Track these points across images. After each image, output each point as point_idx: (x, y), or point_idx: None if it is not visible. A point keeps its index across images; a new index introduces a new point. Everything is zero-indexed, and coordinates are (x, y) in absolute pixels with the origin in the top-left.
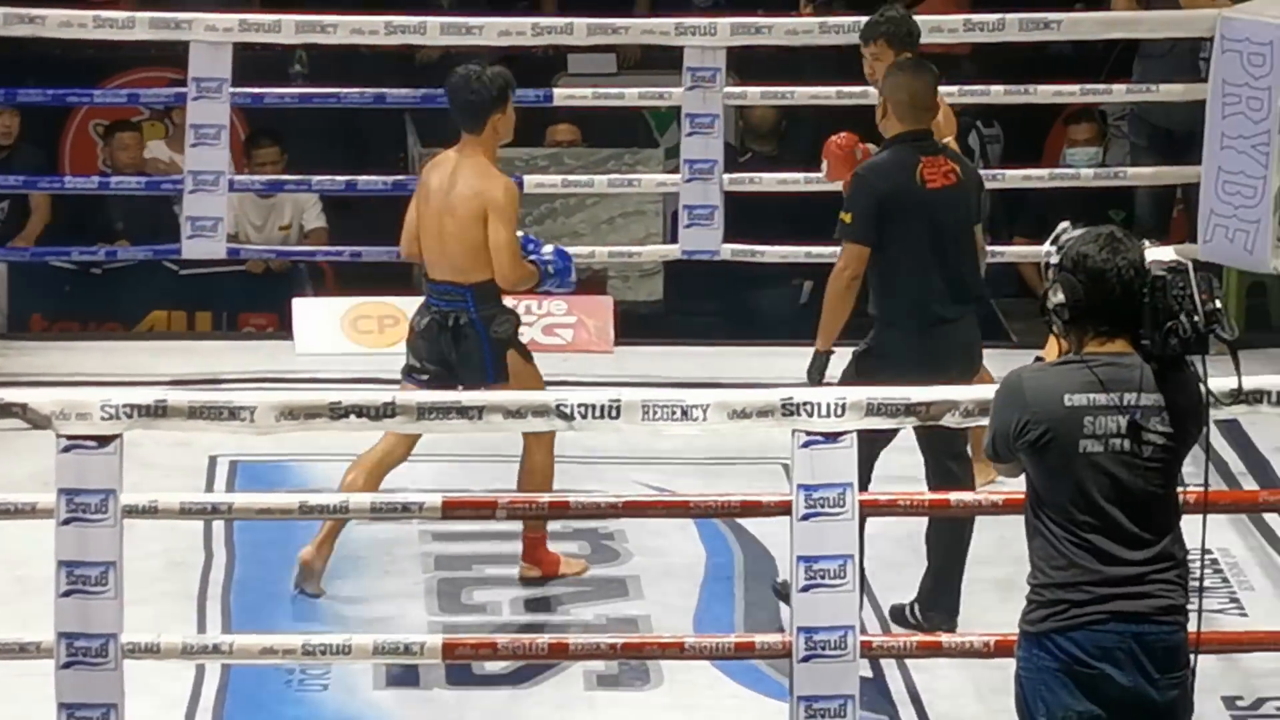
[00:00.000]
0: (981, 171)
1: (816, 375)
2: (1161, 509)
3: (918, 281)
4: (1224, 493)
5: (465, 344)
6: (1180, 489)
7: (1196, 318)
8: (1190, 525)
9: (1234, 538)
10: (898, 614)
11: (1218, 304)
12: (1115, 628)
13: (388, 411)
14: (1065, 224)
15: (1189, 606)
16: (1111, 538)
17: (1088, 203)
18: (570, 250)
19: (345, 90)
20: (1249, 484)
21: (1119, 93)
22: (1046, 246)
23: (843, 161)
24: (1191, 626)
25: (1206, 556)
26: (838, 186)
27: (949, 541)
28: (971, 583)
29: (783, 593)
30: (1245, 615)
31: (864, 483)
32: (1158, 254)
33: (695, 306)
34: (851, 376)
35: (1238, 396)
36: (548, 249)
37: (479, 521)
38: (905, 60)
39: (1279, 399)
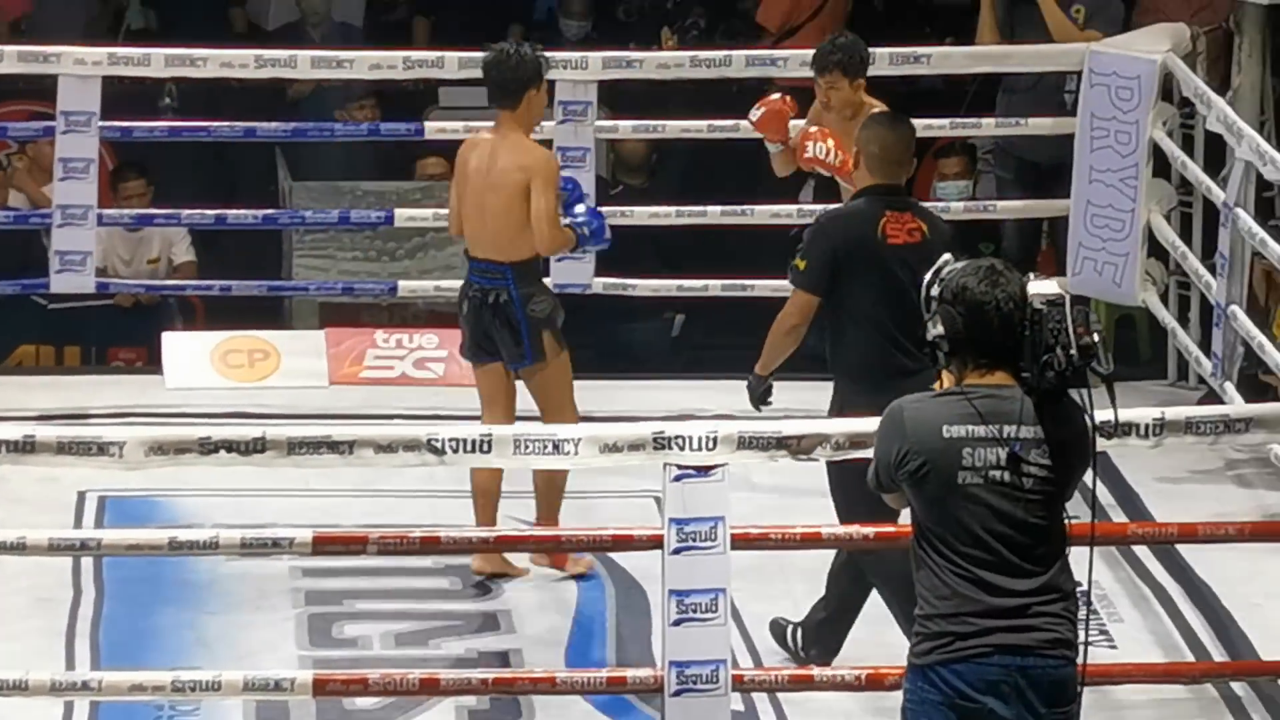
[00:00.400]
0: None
1: (756, 401)
2: (1045, 541)
3: (870, 337)
4: (1080, 525)
5: (505, 322)
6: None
7: (1072, 351)
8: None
9: (1104, 570)
10: (778, 630)
11: (1095, 338)
12: (1000, 660)
13: (258, 446)
14: (948, 256)
15: (1077, 639)
16: (994, 569)
17: (958, 236)
18: (443, 284)
19: (215, 124)
20: (1119, 516)
21: (988, 126)
22: (928, 278)
23: (776, 119)
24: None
25: (1078, 589)
26: (709, 219)
27: (854, 586)
28: None
29: (779, 633)
30: (1115, 648)
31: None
32: (1040, 287)
33: (566, 340)
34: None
35: (1114, 430)
36: (580, 209)
37: (350, 557)
38: (882, 113)
39: (1148, 431)
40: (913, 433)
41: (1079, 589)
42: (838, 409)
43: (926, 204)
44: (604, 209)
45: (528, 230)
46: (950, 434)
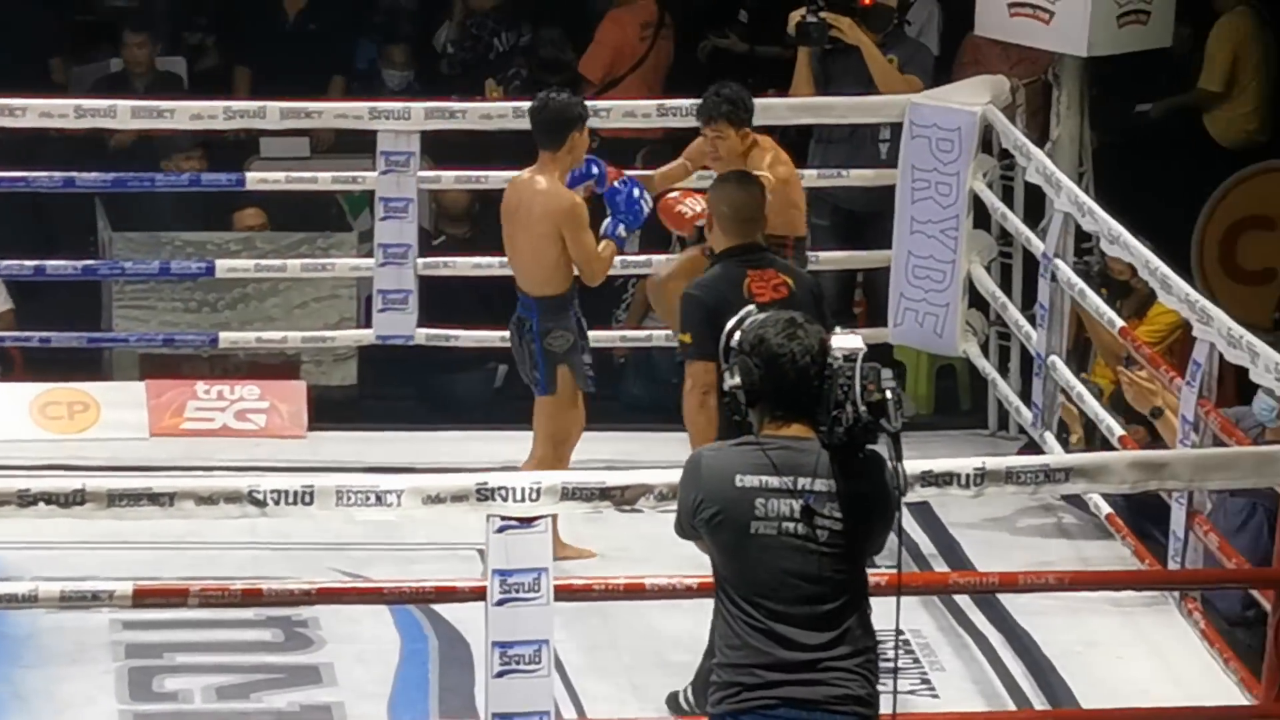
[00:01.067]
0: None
1: None
2: (842, 595)
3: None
4: (915, 574)
5: (529, 352)
6: (873, 570)
7: (861, 408)
8: (885, 606)
9: (925, 619)
10: (672, 702)
11: (888, 394)
12: (785, 714)
13: (77, 498)
14: (751, 307)
15: (875, 694)
16: (786, 622)
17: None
18: (264, 336)
19: (33, 174)
20: (940, 565)
21: (810, 177)
22: (729, 326)
23: (676, 221)
24: (886, 708)
25: (899, 638)
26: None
27: None
28: (669, 664)
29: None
30: (937, 697)
31: None
32: (842, 341)
33: (390, 391)
34: None
35: (903, 489)
36: (606, 223)
37: (171, 609)
38: (731, 173)
39: (969, 481)
40: (707, 481)
41: (881, 644)
42: None
43: None
44: (426, 259)
45: (555, 270)
46: (743, 484)
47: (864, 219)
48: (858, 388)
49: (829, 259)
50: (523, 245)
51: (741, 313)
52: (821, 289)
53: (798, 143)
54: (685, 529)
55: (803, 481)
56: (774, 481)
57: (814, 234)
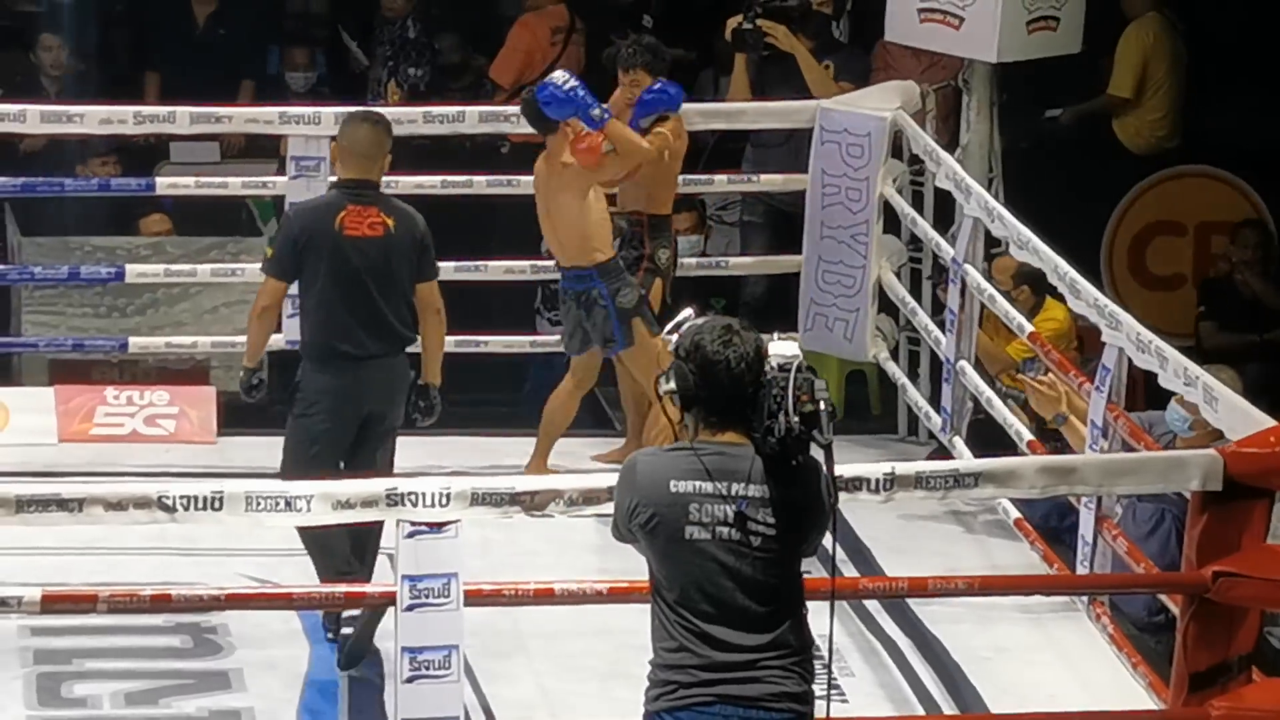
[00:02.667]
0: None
1: (245, 391)
2: (775, 598)
3: (326, 321)
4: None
5: (599, 319)
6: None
7: (793, 418)
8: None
9: (835, 624)
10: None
11: (820, 405)
12: (723, 710)
13: None
14: (689, 311)
15: (810, 693)
16: (721, 623)
17: (691, 291)
18: (174, 341)
19: None
20: (850, 571)
21: (720, 182)
22: (667, 329)
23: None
24: (819, 711)
25: (814, 645)
26: (442, 275)
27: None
28: (579, 669)
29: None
30: (846, 701)
31: None
32: (780, 348)
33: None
34: (287, 404)
35: (835, 497)
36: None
37: (80, 615)
38: (359, 111)
39: (878, 486)
40: (642, 485)
41: (816, 645)
42: (301, 385)
43: None
44: None
45: (599, 230)
46: (677, 489)
47: (796, 219)
48: (790, 398)
49: (739, 264)
50: (561, 220)
51: (679, 317)
52: (429, 243)
53: (721, 146)
54: (622, 532)
55: (736, 487)
56: (708, 487)
57: (745, 231)
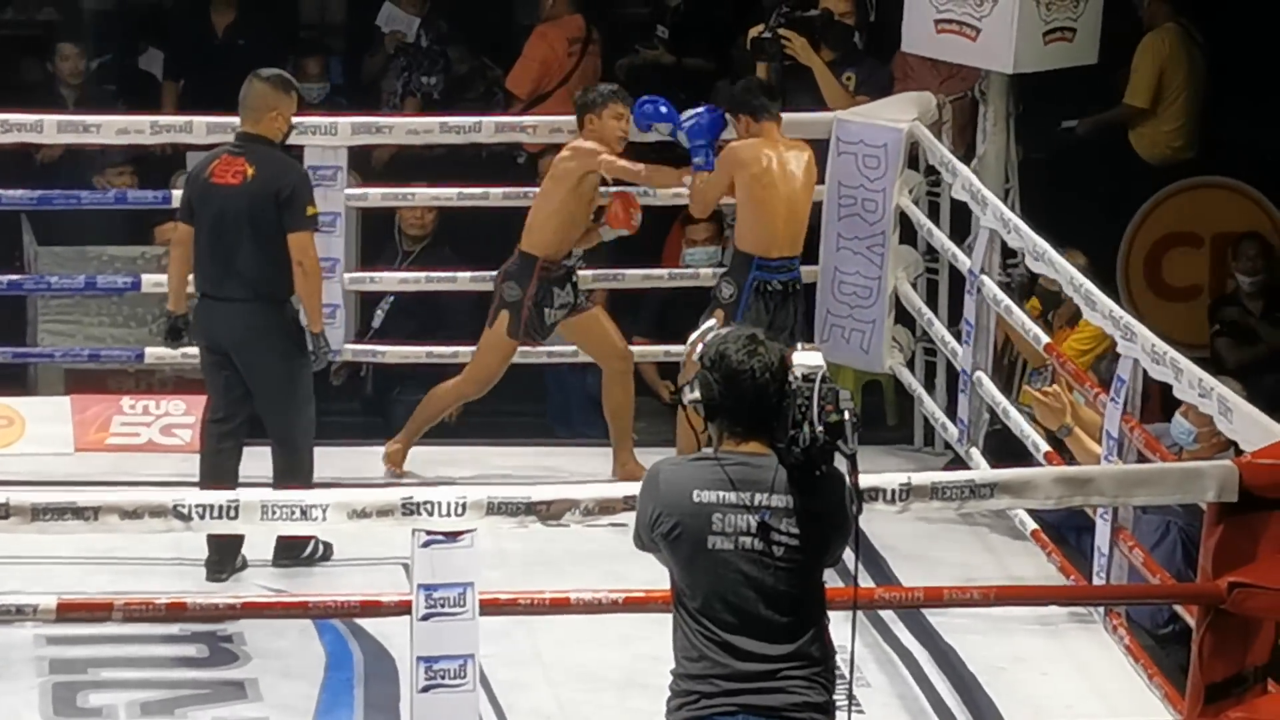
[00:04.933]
0: (602, 271)
1: (165, 336)
2: (798, 608)
3: (194, 260)
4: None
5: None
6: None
7: (818, 429)
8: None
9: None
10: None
11: (845, 416)
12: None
13: (1, 513)
14: (713, 321)
15: (832, 703)
16: (744, 634)
17: (707, 301)
18: (190, 351)
19: None
20: (865, 581)
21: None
22: (692, 338)
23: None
24: None
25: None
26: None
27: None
28: (594, 679)
29: None
30: (862, 712)
31: None
32: (804, 358)
33: (326, 407)
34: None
35: (859, 508)
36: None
37: (95, 624)
38: (261, 70)
39: (894, 496)
40: (666, 494)
41: (838, 655)
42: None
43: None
44: (353, 275)
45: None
46: (700, 499)
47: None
48: (815, 409)
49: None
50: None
51: (703, 326)
52: (294, 195)
53: None
54: (644, 541)
55: (760, 497)
56: (731, 497)
57: None
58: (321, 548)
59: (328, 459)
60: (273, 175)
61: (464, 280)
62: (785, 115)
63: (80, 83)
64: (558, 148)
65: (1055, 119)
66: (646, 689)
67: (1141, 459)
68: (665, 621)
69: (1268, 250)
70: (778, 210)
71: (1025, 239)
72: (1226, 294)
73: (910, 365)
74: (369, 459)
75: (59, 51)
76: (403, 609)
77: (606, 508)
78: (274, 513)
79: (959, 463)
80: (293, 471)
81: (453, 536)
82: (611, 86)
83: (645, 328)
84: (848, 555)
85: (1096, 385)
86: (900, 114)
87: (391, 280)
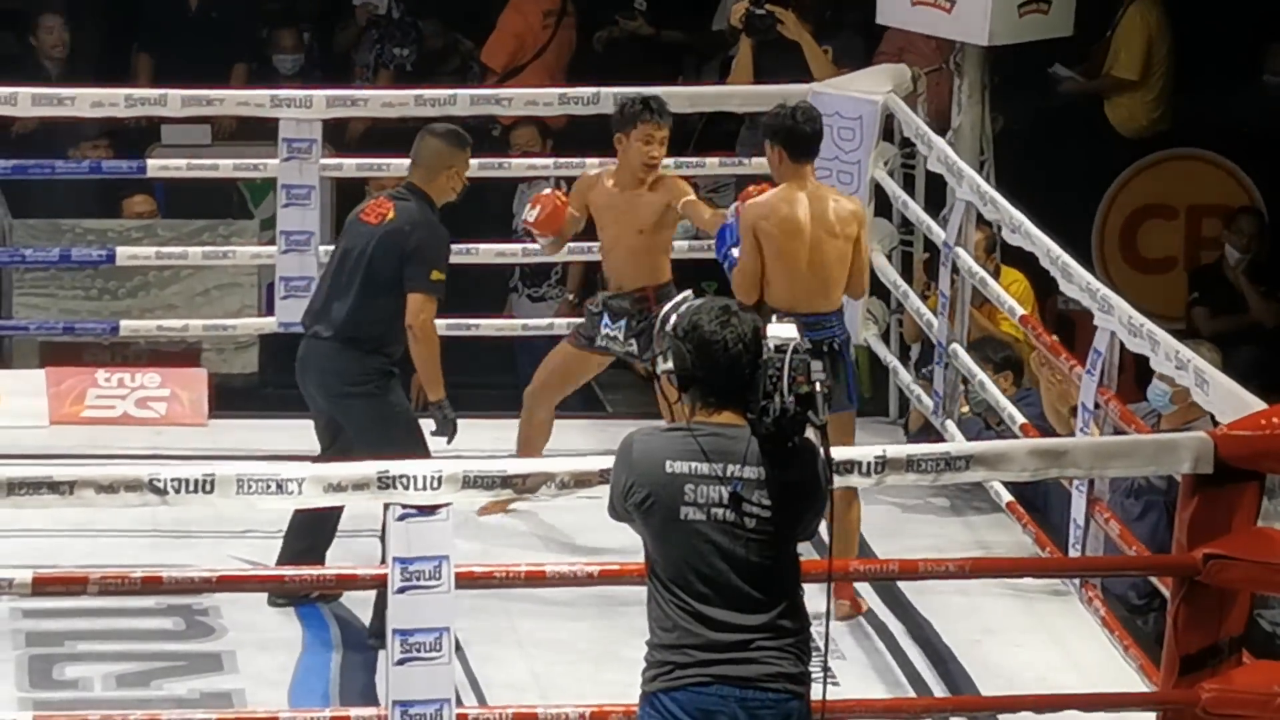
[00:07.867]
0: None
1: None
2: (771, 579)
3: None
4: (816, 562)
5: (840, 372)
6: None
7: (789, 399)
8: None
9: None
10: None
11: (817, 387)
12: (719, 690)
13: None
14: (688, 292)
15: (806, 673)
16: (717, 604)
17: (682, 274)
18: (165, 324)
19: None
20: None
21: (711, 165)
22: (665, 310)
23: (555, 218)
24: (815, 693)
25: (810, 626)
26: None
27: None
28: (571, 651)
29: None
30: (837, 684)
31: None
32: (778, 330)
33: (291, 380)
34: None
35: (830, 479)
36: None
37: (71, 598)
38: (434, 124)
39: (869, 469)
40: (638, 464)
41: (813, 626)
42: None
43: None
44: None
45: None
46: (673, 469)
47: None
48: (786, 379)
49: None
50: (828, 257)
51: (678, 297)
52: (415, 252)
53: (709, 130)
54: (619, 511)
55: (732, 468)
56: (704, 468)
57: None
58: None
59: (294, 433)
60: (410, 226)
61: (486, 253)
62: (763, 88)
63: (63, 55)
64: (532, 120)
65: (1031, 92)
66: (622, 661)
67: (1118, 431)
68: (640, 594)
69: (1262, 227)
70: (798, 258)
71: (1001, 211)
72: (1208, 264)
73: (885, 338)
74: None
75: (40, 24)
76: (378, 582)
77: (582, 481)
78: (250, 487)
79: (934, 434)
80: None
81: (428, 510)
82: (642, 98)
83: None
84: (823, 528)
85: (1072, 357)
86: (875, 86)
87: None
